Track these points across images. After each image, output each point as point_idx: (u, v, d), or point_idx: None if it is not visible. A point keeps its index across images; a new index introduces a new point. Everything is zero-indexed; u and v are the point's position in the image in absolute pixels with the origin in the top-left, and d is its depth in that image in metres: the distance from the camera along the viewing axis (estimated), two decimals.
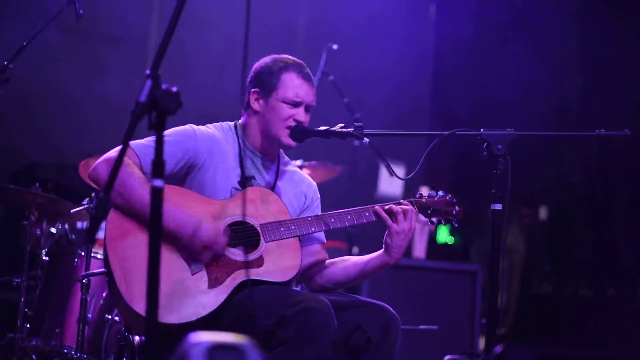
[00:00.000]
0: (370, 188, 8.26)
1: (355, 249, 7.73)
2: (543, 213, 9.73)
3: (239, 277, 3.35)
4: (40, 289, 5.20)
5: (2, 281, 5.43)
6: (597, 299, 9.21)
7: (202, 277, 3.32)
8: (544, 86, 8.76)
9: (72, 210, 4.77)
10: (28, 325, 4.97)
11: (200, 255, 3.31)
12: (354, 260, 3.73)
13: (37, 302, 5.16)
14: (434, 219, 3.70)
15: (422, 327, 5.32)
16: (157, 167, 2.55)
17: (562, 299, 9.38)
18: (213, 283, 3.31)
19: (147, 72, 2.56)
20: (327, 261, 3.78)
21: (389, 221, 3.55)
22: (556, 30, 9.01)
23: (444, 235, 8.94)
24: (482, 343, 7.15)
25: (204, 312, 3.26)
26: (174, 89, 2.54)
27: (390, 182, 8.64)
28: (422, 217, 7.22)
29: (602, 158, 8.96)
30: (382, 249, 3.63)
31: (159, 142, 2.57)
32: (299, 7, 8.88)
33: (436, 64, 9.90)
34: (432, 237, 9.24)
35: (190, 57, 7.80)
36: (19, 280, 5.02)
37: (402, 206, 3.58)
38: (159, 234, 2.55)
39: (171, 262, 3.30)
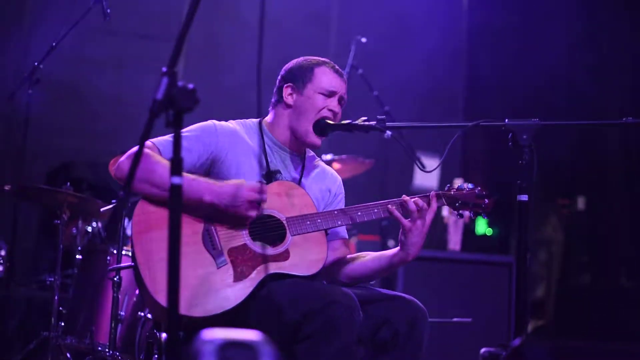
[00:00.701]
0: (404, 181, 8.21)
1: (390, 242, 7.72)
2: (581, 203, 9.61)
3: (264, 270, 3.36)
4: (74, 288, 5.26)
5: (38, 280, 5.50)
6: (638, 289, 9.07)
7: (228, 270, 3.33)
8: (579, 75, 8.67)
9: (101, 209, 4.81)
10: (62, 324, 5.01)
11: (247, 212, 3.34)
12: (372, 256, 3.72)
13: (71, 300, 5.21)
14: (463, 212, 3.66)
15: (455, 319, 5.29)
16: (176, 165, 2.56)
17: (602, 290, 9.25)
18: (239, 276, 3.32)
19: (164, 69, 2.58)
20: (349, 256, 3.78)
21: (402, 219, 3.54)
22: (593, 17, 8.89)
23: (482, 227, 8.87)
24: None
25: (229, 305, 3.26)
26: (190, 86, 2.55)
27: (426, 175, 8.59)
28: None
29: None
30: (399, 247, 3.61)
31: (177, 140, 2.58)
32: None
33: (470, 55, 9.81)
34: (471, 229, 9.21)
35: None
36: (52, 279, 5.06)
37: (416, 203, 3.54)
38: (179, 226, 2.54)
39: (196, 256, 3.32)
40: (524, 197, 3.33)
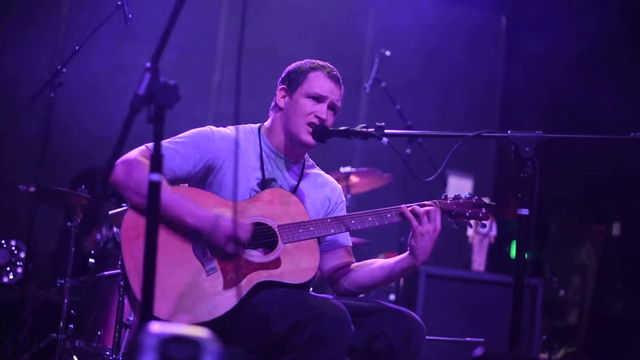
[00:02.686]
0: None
1: None
2: (616, 229, 9.44)
3: (255, 278, 3.30)
4: (85, 291, 5.25)
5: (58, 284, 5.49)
6: None
7: (217, 277, 3.27)
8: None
9: (110, 212, 4.80)
10: (72, 327, 5.01)
11: (224, 247, 3.27)
12: (380, 264, 3.64)
13: (81, 303, 5.20)
14: (460, 221, 3.58)
15: (468, 339, 5.18)
16: (155, 161, 2.54)
17: (635, 317, 9.06)
18: (228, 284, 3.27)
19: (148, 64, 2.55)
20: (354, 265, 3.71)
21: (414, 222, 3.46)
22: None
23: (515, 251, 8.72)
24: (542, 358, 6.95)
25: (218, 313, 3.21)
26: (172, 83, 2.52)
27: (456, 190, 8.49)
28: (481, 230, 7.12)
29: None
30: (408, 251, 3.53)
31: (158, 136, 2.55)
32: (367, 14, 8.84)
33: (506, 77, 9.70)
34: (505, 253, 9.07)
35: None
36: (63, 282, 5.06)
37: (426, 207, 3.48)
38: (156, 227, 2.53)
39: (186, 263, 3.27)
40: (525, 212, 3.23)
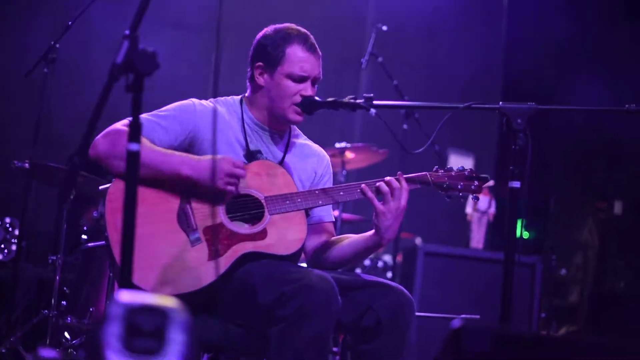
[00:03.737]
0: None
1: (418, 239, 7.59)
2: (618, 207, 9.39)
3: (240, 249, 3.25)
4: (78, 268, 5.21)
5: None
6: None
7: (202, 248, 3.23)
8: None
9: (100, 187, 4.74)
10: (64, 303, 4.97)
11: (225, 186, 3.23)
12: (349, 241, 3.56)
13: (74, 281, 5.17)
14: (452, 194, 3.50)
15: (463, 316, 5.13)
16: (133, 130, 2.48)
17: (637, 295, 9.02)
18: (213, 255, 3.22)
19: (126, 32, 2.49)
20: (330, 240, 3.64)
21: (375, 201, 3.37)
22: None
23: (518, 230, 8.67)
24: None
25: (202, 284, 3.17)
26: (151, 50, 2.46)
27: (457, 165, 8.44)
28: (480, 206, 7.05)
29: None
30: (372, 231, 3.45)
31: (136, 104, 2.49)
32: None
33: (507, 55, 9.61)
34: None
35: None
36: (55, 258, 5.02)
37: (391, 184, 3.38)
38: (135, 197, 2.46)
39: (170, 234, 3.23)
40: (516, 184, 3.17)
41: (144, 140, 3.23)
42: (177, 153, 3.29)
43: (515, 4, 9.44)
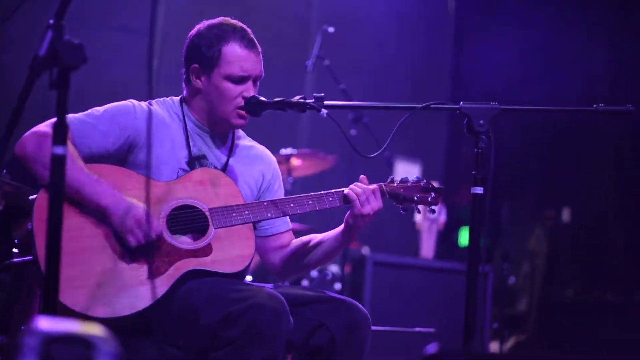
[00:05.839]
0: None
1: (365, 249, 7.36)
2: (566, 215, 9.33)
3: (183, 266, 2.98)
4: (9, 284, 4.89)
5: None
6: (626, 305, 8.75)
7: (142, 266, 2.95)
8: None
9: (30, 197, 4.43)
10: None
11: (127, 236, 2.93)
12: (317, 242, 3.35)
13: (6, 298, 4.85)
14: (407, 207, 3.30)
15: (417, 329, 4.94)
16: (58, 132, 2.21)
17: (586, 304, 8.96)
18: (154, 273, 2.94)
19: (50, 21, 2.22)
20: (292, 242, 3.42)
21: (357, 202, 3.15)
22: None
23: (465, 238, 8.58)
24: (493, 347, 6.74)
25: (141, 305, 2.90)
26: (77, 41, 2.19)
27: (405, 174, 8.27)
28: (430, 215, 6.88)
29: (634, 154, 8.55)
30: (341, 229, 3.26)
31: (62, 102, 2.22)
32: None
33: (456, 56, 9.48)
34: (455, 240, 8.88)
35: None
36: None
37: (370, 187, 3.20)
38: (60, 204, 2.23)
39: (105, 249, 2.95)
40: (479, 190, 2.96)
41: (74, 154, 2.95)
42: (104, 183, 2.99)
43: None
